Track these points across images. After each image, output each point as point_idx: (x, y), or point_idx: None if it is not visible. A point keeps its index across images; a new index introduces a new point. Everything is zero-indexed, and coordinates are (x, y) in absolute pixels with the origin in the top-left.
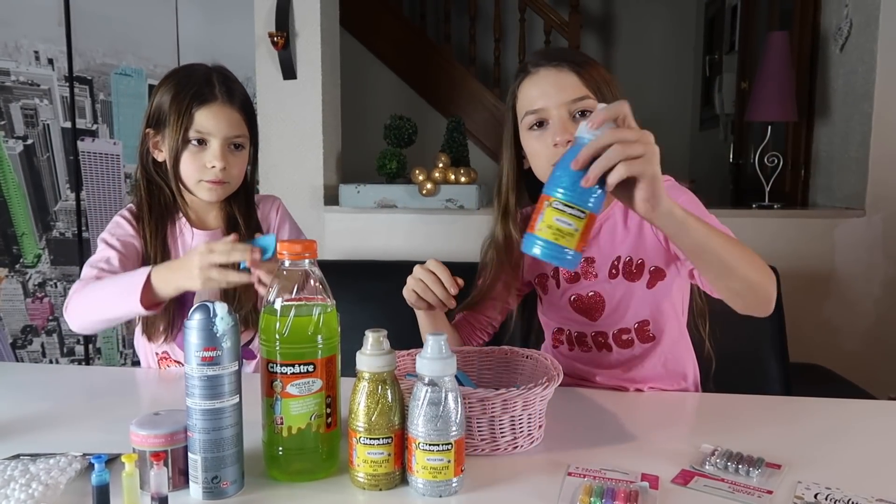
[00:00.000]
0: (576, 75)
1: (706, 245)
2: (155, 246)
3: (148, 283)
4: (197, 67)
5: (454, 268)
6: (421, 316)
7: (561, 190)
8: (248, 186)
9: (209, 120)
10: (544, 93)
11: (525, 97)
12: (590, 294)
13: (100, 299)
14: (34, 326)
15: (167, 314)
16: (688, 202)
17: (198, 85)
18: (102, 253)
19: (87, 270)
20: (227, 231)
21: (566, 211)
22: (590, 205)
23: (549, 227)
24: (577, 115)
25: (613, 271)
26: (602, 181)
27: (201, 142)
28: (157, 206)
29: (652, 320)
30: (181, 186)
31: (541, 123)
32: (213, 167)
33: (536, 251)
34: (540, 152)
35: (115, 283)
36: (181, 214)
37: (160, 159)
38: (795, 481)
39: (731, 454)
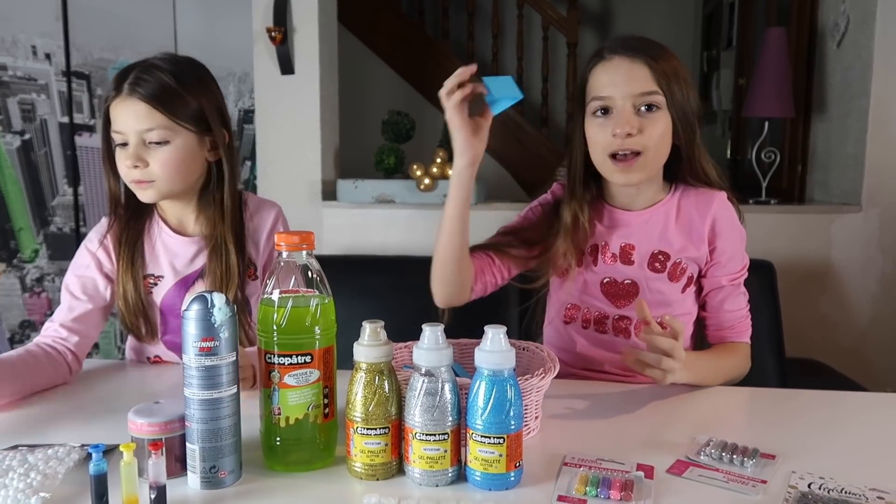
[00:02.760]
0: (648, 68)
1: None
2: (126, 248)
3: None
4: (137, 62)
5: None
6: (455, 198)
7: (479, 423)
8: (221, 187)
9: (117, 117)
10: (613, 81)
11: (595, 83)
12: (626, 282)
13: None
14: (32, 321)
15: (146, 319)
16: (738, 242)
17: (115, 81)
18: (64, 302)
19: (46, 325)
20: (206, 242)
21: (486, 442)
22: (511, 427)
23: (476, 459)
24: (643, 109)
25: (658, 265)
26: (507, 410)
27: (124, 144)
28: (126, 210)
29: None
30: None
31: (605, 111)
32: (127, 167)
33: (478, 482)
34: (598, 140)
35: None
36: (158, 220)
37: None
38: (789, 471)
39: (726, 444)
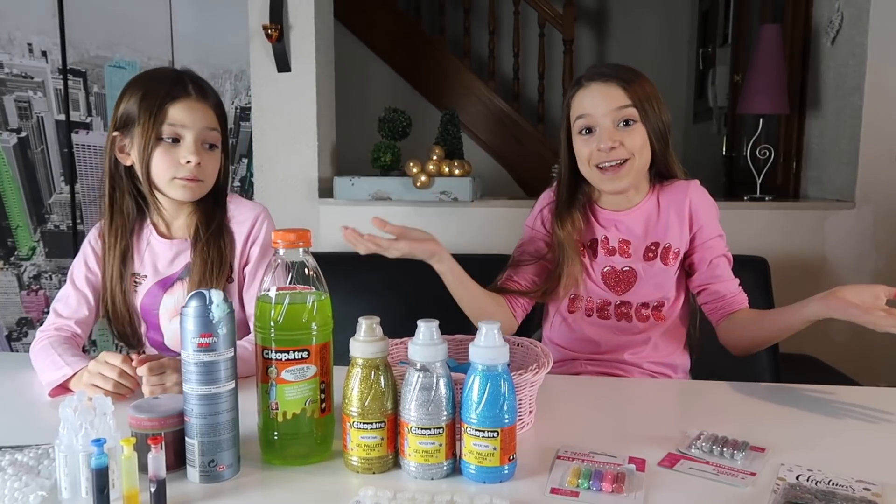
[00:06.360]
0: (622, 89)
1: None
2: (114, 257)
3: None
4: (164, 70)
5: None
6: (450, 280)
7: (473, 417)
8: (218, 192)
9: (183, 114)
10: (593, 102)
11: (577, 106)
12: (624, 269)
13: (36, 365)
14: (29, 319)
15: (131, 325)
16: (714, 216)
17: (168, 83)
18: (65, 289)
19: (50, 315)
20: (193, 240)
21: (480, 436)
22: (505, 421)
23: (470, 453)
24: (621, 124)
25: (650, 254)
26: (501, 404)
27: (175, 140)
28: (120, 214)
29: (667, 301)
30: (152, 188)
31: (589, 130)
32: (188, 162)
33: (473, 475)
34: (584, 154)
35: (45, 363)
36: (149, 222)
37: (127, 163)
38: (778, 464)
39: (717, 438)
